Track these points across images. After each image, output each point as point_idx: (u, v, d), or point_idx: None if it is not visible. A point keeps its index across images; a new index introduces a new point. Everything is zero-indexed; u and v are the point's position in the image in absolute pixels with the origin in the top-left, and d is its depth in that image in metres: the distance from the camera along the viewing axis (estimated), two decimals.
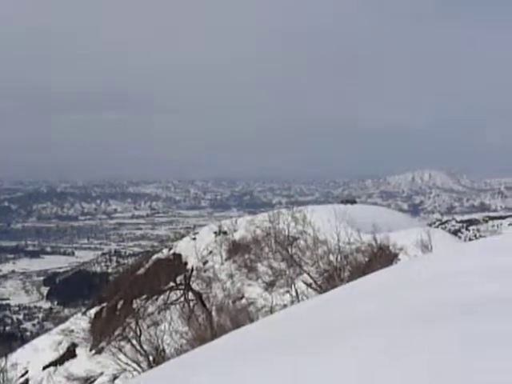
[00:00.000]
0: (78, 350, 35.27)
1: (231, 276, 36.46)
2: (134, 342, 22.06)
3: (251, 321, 16.81)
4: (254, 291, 32.11)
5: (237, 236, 42.42)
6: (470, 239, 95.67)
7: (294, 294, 25.54)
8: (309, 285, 25.02)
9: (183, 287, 27.62)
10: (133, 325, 24.75)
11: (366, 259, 27.29)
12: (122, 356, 21.65)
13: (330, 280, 23.51)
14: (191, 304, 25.78)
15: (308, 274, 25.48)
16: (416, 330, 4.81)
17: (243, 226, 43.24)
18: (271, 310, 22.69)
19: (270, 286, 31.59)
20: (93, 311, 40.85)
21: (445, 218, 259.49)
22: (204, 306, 24.44)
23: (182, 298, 27.11)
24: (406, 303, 6.69)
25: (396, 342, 4.55)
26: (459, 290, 6.85)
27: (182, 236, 51.84)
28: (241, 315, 20.30)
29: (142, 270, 44.36)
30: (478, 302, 5.58)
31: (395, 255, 27.46)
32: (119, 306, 37.65)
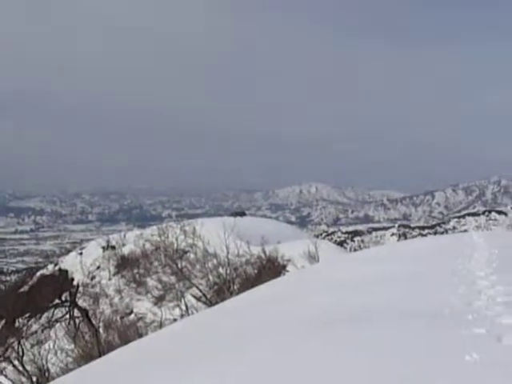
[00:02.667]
0: None
1: (119, 291, 35.72)
2: (16, 362, 21.07)
3: (140, 336, 16.54)
4: (143, 306, 31.62)
5: (125, 250, 41.67)
6: (355, 250, 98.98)
7: (183, 307, 25.33)
8: (198, 298, 24.92)
9: (69, 304, 26.75)
10: (15, 345, 23.65)
11: (256, 271, 27.57)
12: (2, 378, 20.64)
13: (219, 293, 23.52)
14: (77, 321, 25.00)
15: (197, 287, 25.39)
16: (303, 338, 4.90)
17: (132, 241, 42.59)
18: (160, 325, 22.39)
19: (159, 301, 31.23)
20: None
21: (331, 230, 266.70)
22: (91, 322, 23.75)
23: (68, 315, 26.24)
24: (294, 313, 6.80)
25: (283, 350, 4.62)
26: (345, 298, 7.05)
27: (69, 251, 50.38)
28: (129, 331, 19.92)
29: (25, 288, 42.61)
30: (365, 309, 5.78)
31: (283, 266, 27.92)
32: (0, 327, 35.94)
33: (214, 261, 26.27)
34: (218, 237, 27.43)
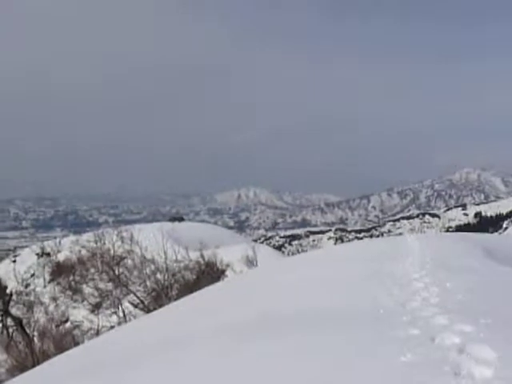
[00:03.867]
0: None
1: (55, 299, 34.96)
2: None
3: (76, 344, 16.26)
4: (79, 314, 31.03)
5: (61, 257, 40.81)
6: (293, 254, 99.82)
7: (121, 314, 25.05)
8: (136, 305, 24.68)
9: (1, 313, 26.06)
10: None
11: (194, 276, 27.46)
12: None
13: (157, 299, 23.34)
14: (10, 330, 24.37)
15: (134, 294, 25.14)
16: (243, 344, 4.93)
17: (68, 247, 41.75)
18: (97, 333, 22.08)
19: (96, 308, 30.71)
20: None
21: (269, 234, 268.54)
22: (24, 331, 23.21)
23: (0, 325, 25.57)
24: (229, 318, 6.83)
25: (220, 358, 4.64)
26: (282, 303, 7.13)
27: (1, 259, 49.03)
28: (65, 339, 19.57)
29: None
30: (300, 313, 5.86)
31: (222, 271, 27.92)
32: None
33: (152, 267, 26.06)
34: (155, 242, 27.22)
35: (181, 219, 58.94)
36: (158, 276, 25.05)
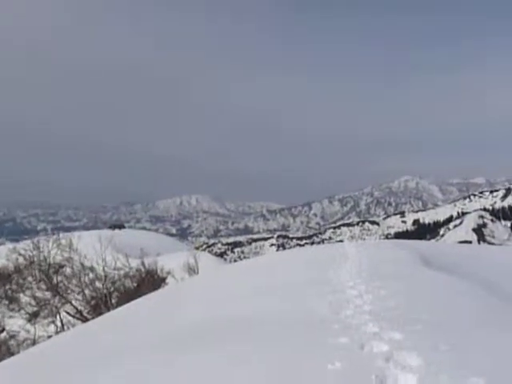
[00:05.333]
0: None
1: None
2: None
3: (11, 355, 15.87)
4: (15, 323, 30.25)
5: None
6: (235, 261, 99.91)
7: (59, 324, 24.57)
8: (74, 314, 24.25)
9: None
10: None
11: (135, 284, 27.16)
12: None
13: (96, 308, 23.01)
14: None
15: (70, 302, 24.70)
16: (173, 354, 4.94)
17: (4, 255, 40.68)
18: (34, 343, 21.60)
19: (33, 317, 30.01)
20: None
21: (211, 241, 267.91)
22: None
23: None
24: (169, 326, 6.82)
25: (149, 369, 4.64)
26: (218, 310, 7.16)
27: None
28: (0, 350, 19.09)
29: None
30: (235, 321, 5.91)
31: (163, 279, 27.71)
32: None
33: (91, 275, 25.65)
34: (95, 250, 26.81)
35: (121, 226, 58.25)
36: (98, 284, 24.68)
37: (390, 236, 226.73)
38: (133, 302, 12.52)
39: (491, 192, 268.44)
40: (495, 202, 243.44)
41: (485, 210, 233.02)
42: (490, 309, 6.39)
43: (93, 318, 17.99)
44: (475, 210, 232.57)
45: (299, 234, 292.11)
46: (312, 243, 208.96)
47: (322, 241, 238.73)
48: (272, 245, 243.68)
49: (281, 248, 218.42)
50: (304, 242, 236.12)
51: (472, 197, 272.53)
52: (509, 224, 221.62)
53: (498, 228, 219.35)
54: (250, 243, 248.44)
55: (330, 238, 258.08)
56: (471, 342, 4.34)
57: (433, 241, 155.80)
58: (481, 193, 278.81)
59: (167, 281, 27.19)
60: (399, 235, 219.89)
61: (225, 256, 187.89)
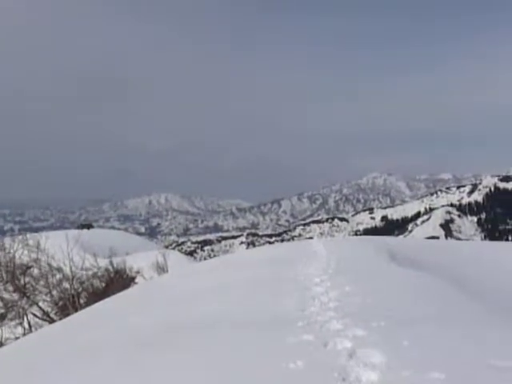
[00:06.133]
0: None
1: None
2: None
3: None
4: None
5: None
6: (205, 259, 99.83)
7: (26, 326, 24.27)
8: (41, 316, 23.98)
9: None
10: None
11: (103, 284, 26.94)
12: None
13: (64, 309, 22.78)
14: None
15: (37, 304, 24.41)
16: (140, 355, 4.91)
17: None
18: (1, 345, 21.30)
19: (0, 319, 29.63)
20: None
21: (181, 240, 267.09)
22: None
23: None
24: (136, 327, 6.77)
25: (118, 368, 4.61)
26: (185, 310, 7.13)
27: None
28: None
29: None
30: (204, 321, 5.89)
31: (132, 278, 27.55)
32: None
33: (59, 275, 25.38)
34: (62, 250, 26.54)
35: (90, 226, 57.71)
36: (65, 285, 24.43)
37: (359, 232, 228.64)
38: (100, 302, 12.43)
39: (458, 188, 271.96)
40: (462, 198, 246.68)
41: (452, 205, 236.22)
42: (456, 305, 6.45)
43: (60, 319, 17.81)
44: (442, 206, 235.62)
45: (269, 232, 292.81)
46: (282, 240, 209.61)
47: (292, 238, 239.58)
48: (242, 243, 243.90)
49: (251, 246, 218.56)
50: (274, 239, 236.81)
51: (439, 192, 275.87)
52: (475, 219, 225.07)
53: (465, 223, 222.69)
54: (220, 241, 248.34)
55: (300, 235, 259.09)
56: (435, 338, 4.37)
57: (401, 237, 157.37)
58: (448, 188, 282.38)
59: (136, 280, 27.04)
60: (368, 231, 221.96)
61: (194, 254, 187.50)
